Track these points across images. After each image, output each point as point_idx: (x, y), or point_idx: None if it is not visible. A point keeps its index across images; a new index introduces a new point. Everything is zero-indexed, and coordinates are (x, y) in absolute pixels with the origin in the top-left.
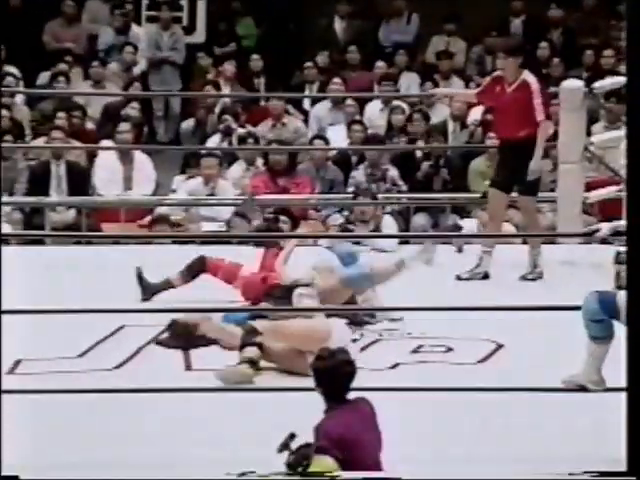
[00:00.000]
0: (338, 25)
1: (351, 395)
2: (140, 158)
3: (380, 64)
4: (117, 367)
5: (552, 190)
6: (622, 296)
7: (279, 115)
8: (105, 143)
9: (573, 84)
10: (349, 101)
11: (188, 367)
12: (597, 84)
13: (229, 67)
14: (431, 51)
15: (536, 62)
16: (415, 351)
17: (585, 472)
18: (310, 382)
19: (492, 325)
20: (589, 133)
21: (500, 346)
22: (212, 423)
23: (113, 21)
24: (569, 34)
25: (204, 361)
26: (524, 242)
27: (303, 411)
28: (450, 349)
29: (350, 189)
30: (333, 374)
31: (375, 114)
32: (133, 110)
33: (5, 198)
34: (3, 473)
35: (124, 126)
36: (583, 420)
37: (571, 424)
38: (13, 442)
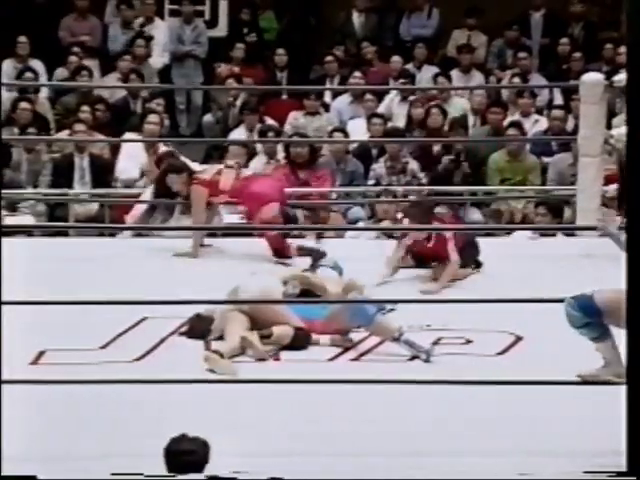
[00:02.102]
0: (356, 19)
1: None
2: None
3: (396, 59)
4: (139, 359)
5: (572, 183)
6: (600, 294)
7: (314, 112)
8: (128, 135)
9: (593, 78)
10: (369, 95)
11: None
12: (617, 77)
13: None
14: (452, 45)
15: (556, 57)
16: (435, 343)
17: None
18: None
19: (510, 317)
20: (610, 126)
21: (519, 338)
22: (232, 414)
23: (122, 16)
24: (589, 28)
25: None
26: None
27: (323, 402)
28: (469, 341)
29: (371, 182)
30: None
31: (390, 108)
32: (159, 106)
33: (30, 190)
34: (23, 471)
35: (152, 117)
36: (604, 412)
37: (592, 416)
38: (32, 432)
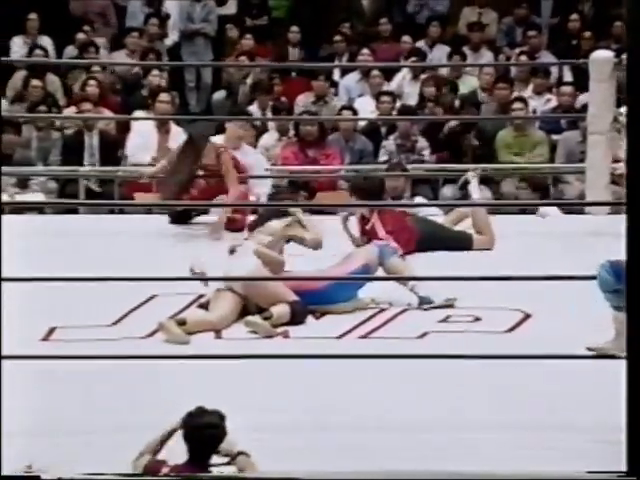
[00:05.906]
0: None
1: None
2: (176, 129)
3: (406, 38)
4: (149, 335)
5: (581, 160)
6: None
7: (322, 95)
8: (138, 113)
9: (602, 55)
10: (376, 72)
11: (218, 335)
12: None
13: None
14: (463, 22)
15: (566, 35)
16: (443, 320)
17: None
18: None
19: (518, 295)
20: (620, 104)
21: (528, 315)
22: (241, 390)
23: None
24: (599, 5)
25: (234, 329)
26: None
27: (333, 381)
28: (478, 319)
29: (383, 158)
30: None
31: (401, 86)
32: (155, 78)
33: (40, 167)
34: (33, 446)
35: (164, 96)
36: (611, 387)
37: (600, 391)
38: (43, 408)
